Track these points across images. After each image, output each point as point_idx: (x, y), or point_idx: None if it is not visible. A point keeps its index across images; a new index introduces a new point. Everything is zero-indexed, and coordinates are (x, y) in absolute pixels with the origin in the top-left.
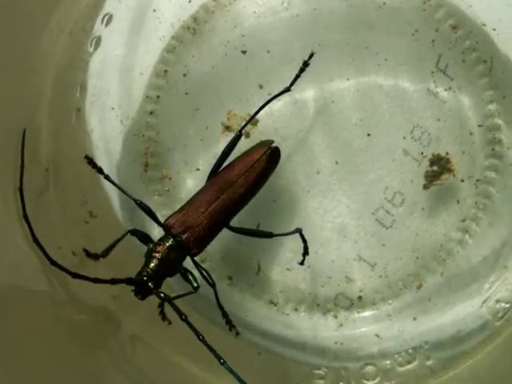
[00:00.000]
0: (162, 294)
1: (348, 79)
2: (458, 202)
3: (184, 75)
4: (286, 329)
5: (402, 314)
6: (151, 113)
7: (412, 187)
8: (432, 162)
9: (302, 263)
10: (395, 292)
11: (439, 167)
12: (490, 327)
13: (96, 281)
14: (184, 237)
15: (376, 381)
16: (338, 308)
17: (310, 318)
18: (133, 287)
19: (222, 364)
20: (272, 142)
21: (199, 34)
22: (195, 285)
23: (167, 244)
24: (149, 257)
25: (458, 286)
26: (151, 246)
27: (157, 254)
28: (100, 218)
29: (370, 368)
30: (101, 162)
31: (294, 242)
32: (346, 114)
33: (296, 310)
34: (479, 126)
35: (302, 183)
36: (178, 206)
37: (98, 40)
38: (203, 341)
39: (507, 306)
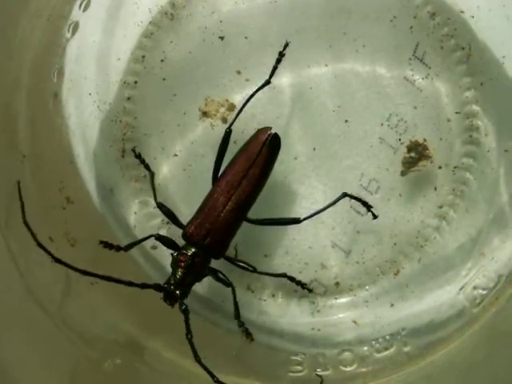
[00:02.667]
0: (184, 306)
1: (326, 65)
2: (435, 188)
3: (161, 61)
4: (263, 315)
5: (379, 301)
6: (128, 98)
7: (388, 174)
8: (409, 149)
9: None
10: (372, 278)
11: (417, 153)
12: (467, 314)
13: (129, 284)
14: (206, 242)
15: (353, 367)
16: (315, 294)
17: (287, 305)
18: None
19: (215, 382)
20: (270, 128)
21: (177, 19)
22: (228, 282)
23: (191, 252)
24: (175, 266)
25: (435, 273)
26: (176, 255)
27: (182, 264)
28: (77, 203)
29: (347, 354)
30: (77, 147)
31: (272, 228)
32: (324, 100)
33: (273, 296)
34: (456, 112)
35: (279, 169)
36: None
37: (76, 25)
38: (200, 362)
39: (484, 292)
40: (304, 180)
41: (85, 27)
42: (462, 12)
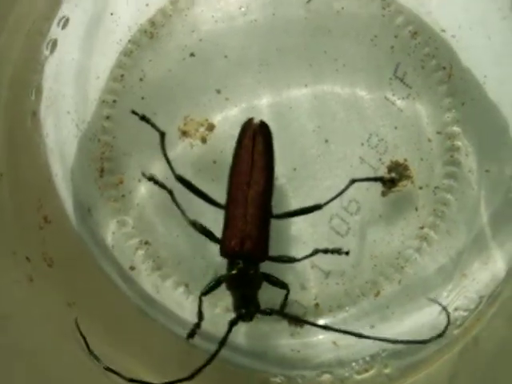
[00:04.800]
0: (268, 309)
1: (306, 85)
2: (416, 209)
3: (140, 79)
4: (244, 336)
5: (359, 322)
6: (107, 117)
7: (368, 195)
8: (390, 169)
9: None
10: (352, 299)
11: (397, 174)
12: (448, 335)
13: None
14: (246, 250)
15: None
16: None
17: (267, 326)
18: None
19: None
20: (253, 118)
21: (156, 37)
22: (281, 283)
23: (237, 269)
24: (231, 289)
25: (415, 294)
26: (225, 278)
27: (236, 284)
28: (54, 223)
29: (326, 376)
30: (55, 166)
31: None
32: (304, 120)
33: (257, 317)
34: (438, 133)
35: None
36: (133, 212)
37: (55, 43)
38: None
39: (465, 313)
40: (284, 200)
41: (63, 45)
42: (443, 31)
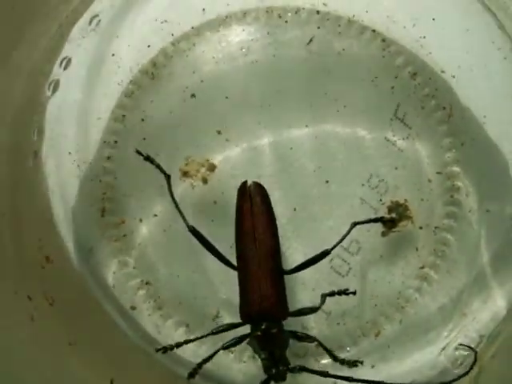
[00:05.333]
0: (298, 367)
1: (306, 126)
2: (416, 249)
3: (142, 120)
4: (243, 376)
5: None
6: (108, 158)
7: (369, 235)
8: (390, 209)
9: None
10: (353, 339)
11: (397, 214)
12: (449, 375)
13: None
14: (265, 310)
15: None
16: (296, 356)
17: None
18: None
19: None
20: (245, 181)
21: (158, 78)
22: (310, 338)
23: (260, 330)
24: (258, 352)
25: (416, 334)
26: (251, 343)
27: (262, 346)
28: (56, 262)
29: None
30: (57, 206)
31: None
32: (304, 161)
33: (254, 357)
34: (438, 173)
35: None
36: (134, 253)
37: (57, 83)
38: None
39: (466, 353)
40: (284, 241)
41: (65, 85)
42: (442, 72)
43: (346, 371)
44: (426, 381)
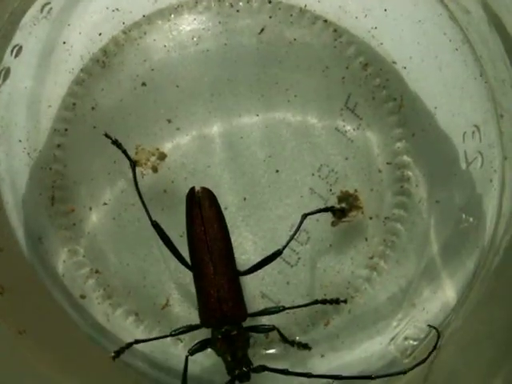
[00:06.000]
0: (260, 367)
1: (257, 115)
2: (366, 239)
3: (92, 108)
4: (193, 366)
5: (309, 351)
6: (59, 146)
7: (319, 225)
8: (340, 199)
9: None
10: (302, 329)
11: (347, 204)
12: (398, 365)
13: None
14: (225, 314)
15: None
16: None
17: (217, 356)
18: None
19: None
20: (193, 187)
21: (108, 67)
22: (269, 327)
23: (221, 334)
24: (222, 353)
25: (365, 324)
26: (213, 347)
27: (224, 348)
28: (5, 251)
29: None
30: (6, 194)
31: None
32: (254, 149)
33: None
34: (388, 163)
35: None
36: (83, 241)
37: (7, 71)
38: None
39: (415, 343)
40: (234, 230)
41: (16, 73)
42: (394, 63)
43: (302, 367)
44: (375, 370)
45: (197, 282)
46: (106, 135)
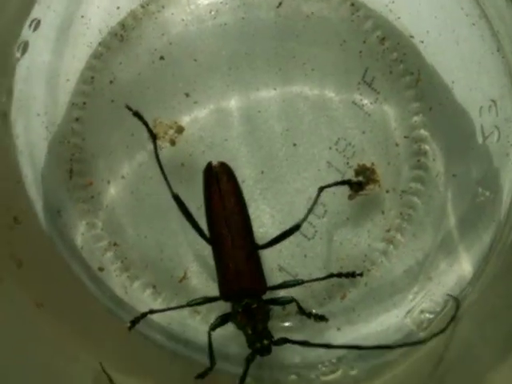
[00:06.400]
0: (281, 339)
1: (274, 89)
2: (382, 212)
3: (110, 82)
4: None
5: (325, 324)
6: (77, 119)
7: (335, 198)
8: (357, 173)
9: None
10: (319, 302)
11: (364, 177)
12: (414, 338)
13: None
14: (244, 287)
15: None
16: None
17: (234, 328)
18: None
19: None
20: (210, 162)
21: (127, 40)
22: (288, 299)
23: (242, 306)
24: (242, 327)
25: (381, 297)
26: (234, 320)
27: (244, 322)
28: (24, 224)
29: (293, 378)
30: (25, 168)
31: None
32: (272, 123)
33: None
34: (405, 137)
35: None
36: (102, 214)
37: (26, 45)
38: None
39: (431, 316)
40: (251, 203)
41: (34, 47)
42: (411, 37)
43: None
44: (391, 343)
45: (216, 256)
46: (128, 107)
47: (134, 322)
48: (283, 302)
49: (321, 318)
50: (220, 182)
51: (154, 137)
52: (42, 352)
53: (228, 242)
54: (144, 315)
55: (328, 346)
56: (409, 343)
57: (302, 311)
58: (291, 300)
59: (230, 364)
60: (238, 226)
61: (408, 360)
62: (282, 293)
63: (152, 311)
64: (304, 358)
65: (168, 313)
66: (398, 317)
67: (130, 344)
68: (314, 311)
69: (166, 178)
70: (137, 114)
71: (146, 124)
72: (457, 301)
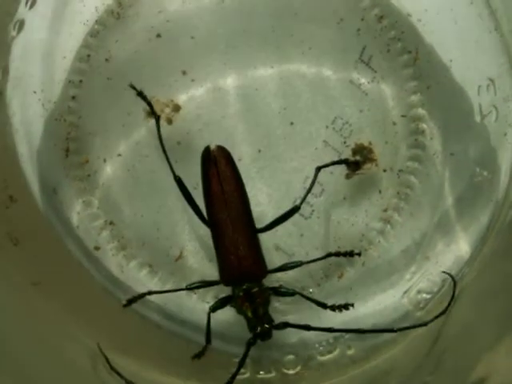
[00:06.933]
0: (282, 324)
1: (272, 67)
2: (380, 191)
3: (107, 60)
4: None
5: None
6: (73, 97)
7: (332, 177)
8: (355, 152)
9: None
10: (316, 281)
11: (362, 157)
12: (411, 318)
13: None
14: (244, 272)
15: (296, 370)
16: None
17: (230, 307)
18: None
19: None
20: (208, 146)
21: (123, 18)
22: (291, 291)
23: (243, 290)
24: (243, 311)
25: (379, 276)
26: (234, 304)
27: (245, 305)
28: (20, 202)
29: (290, 357)
30: (21, 146)
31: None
32: (269, 101)
33: (216, 297)
34: (402, 116)
35: None
36: (98, 192)
37: (22, 23)
38: None
39: (428, 296)
40: (248, 182)
41: (31, 25)
42: (409, 15)
43: (316, 319)
44: (389, 323)
45: (216, 241)
46: (132, 86)
47: (131, 301)
48: (285, 294)
49: (345, 307)
50: (218, 165)
51: (157, 117)
52: (38, 330)
53: (228, 226)
54: (142, 296)
55: (330, 330)
56: (411, 326)
57: (318, 304)
58: (293, 293)
59: (227, 343)
60: (238, 209)
61: (405, 339)
62: (279, 274)
63: (150, 292)
64: (301, 338)
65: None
66: (395, 297)
67: (126, 323)
68: (310, 291)
69: (168, 160)
70: (141, 94)
71: (149, 104)
72: (453, 279)
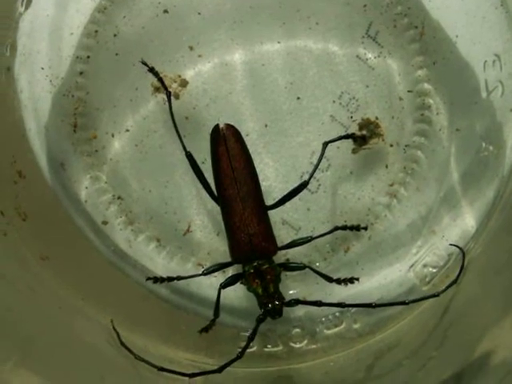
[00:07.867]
0: (293, 300)
1: (278, 42)
2: (386, 166)
3: (114, 35)
4: (214, 291)
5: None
6: (81, 73)
7: (339, 152)
8: (361, 126)
9: None
10: (322, 255)
11: (368, 131)
12: (417, 292)
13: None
14: (255, 248)
15: (303, 343)
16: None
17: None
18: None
19: None
20: (217, 124)
21: None
22: (301, 265)
23: (254, 267)
24: (253, 290)
25: (385, 250)
26: (245, 281)
27: (256, 282)
28: (28, 178)
29: (297, 331)
30: (29, 122)
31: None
32: (276, 77)
33: (224, 272)
34: (409, 91)
35: None
36: (106, 168)
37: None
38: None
39: (434, 270)
40: (255, 157)
41: (38, 1)
42: None
43: (321, 293)
44: (394, 297)
45: (226, 219)
46: (143, 63)
47: (156, 280)
48: (295, 268)
49: (350, 281)
50: (228, 143)
51: (169, 93)
52: (46, 304)
53: (238, 203)
54: (171, 279)
55: (341, 305)
56: (423, 297)
57: (320, 275)
58: (304, 267)
59: (235, 317)
60: (248, 187)
61: (411, 314)
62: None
63: (179, 277)
64: (308, 312)
65: (172, 266)
66: (401, 271)
67: (133, 298)
68: (317, 265)
69: (179, 136)
70: (152, 70)
71: (161, 80)
72: (462, 251)
